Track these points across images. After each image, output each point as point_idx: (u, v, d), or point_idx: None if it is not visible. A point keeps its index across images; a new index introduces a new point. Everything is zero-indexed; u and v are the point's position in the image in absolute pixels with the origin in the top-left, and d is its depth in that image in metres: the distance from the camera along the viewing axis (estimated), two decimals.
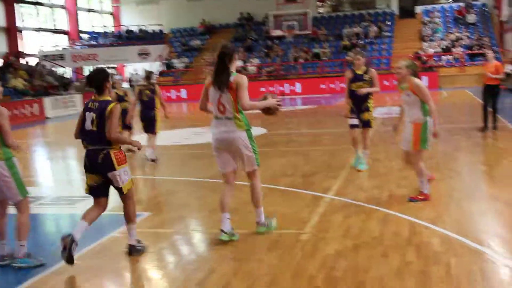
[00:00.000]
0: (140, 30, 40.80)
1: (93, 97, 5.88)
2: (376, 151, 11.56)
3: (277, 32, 31.17)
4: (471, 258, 5.39)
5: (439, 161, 10.29)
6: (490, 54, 14.35)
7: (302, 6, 32.87)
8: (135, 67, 37.27)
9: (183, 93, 33.60)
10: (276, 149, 12.90)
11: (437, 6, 37.80)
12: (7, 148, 5.68)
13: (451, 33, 33.60)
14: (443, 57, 32.03)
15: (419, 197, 7.51)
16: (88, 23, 42.09)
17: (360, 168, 9.75)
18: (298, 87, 31.75)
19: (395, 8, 38.63)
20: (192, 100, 32.14)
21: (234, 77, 6.05)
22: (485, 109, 13.76)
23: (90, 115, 5.77)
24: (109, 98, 5.88)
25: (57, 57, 35.60)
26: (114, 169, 5.74)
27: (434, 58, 32.01)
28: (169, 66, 36.98)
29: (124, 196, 5.93)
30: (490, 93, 13.66)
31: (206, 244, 6.45)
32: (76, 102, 29.35)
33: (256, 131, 15.31)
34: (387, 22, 37.08)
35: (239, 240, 6.23)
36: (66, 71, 35.19)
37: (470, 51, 31.74)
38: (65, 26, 39.51)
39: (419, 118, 7.43)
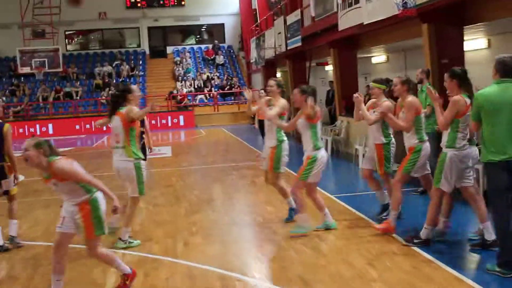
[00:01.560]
0: None
1: None
2: (153, 196, 11.05)
3: (25, 69, 28.98)
4: None
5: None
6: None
7: (51, 42, 31.18)
8: None
9: None
10: (39, 198, 11.61)
11: (187, 47, 38.77)
12: None
13: (203, 73, 34.63)
14: (197, 96, 32.80)
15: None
16: None
17: None
18: (50, 128, 29.87)
19: (145, 47, 38.76)
20: None
21: None
22: None
23: None
24: None
25: None
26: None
27: (188, 98, 32.61)
28: None
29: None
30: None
31: None
32: None
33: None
34: (139, 62, 36.97)
35: None
36: None
37: (222, 91, 32.97)
38: None
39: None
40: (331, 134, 16.57)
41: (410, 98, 7.32)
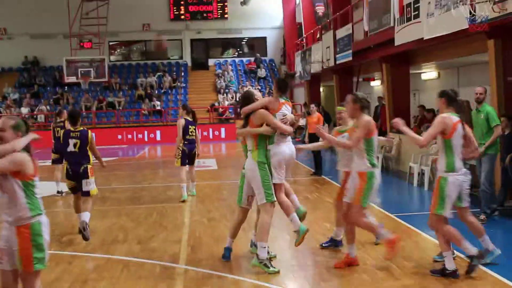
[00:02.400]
0: None
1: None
2: (208, 210, 10.86)
3: (71, 79, 29.25)
4: None
5: None
6: (313, 108, 15.72)
7: (96, 53, 31.46)
8: None
9: None
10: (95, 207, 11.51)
11: (229, 60, 38.77)
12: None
13: (244, 86, 34.51)
14: (238, 109, 32.61)
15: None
16: None
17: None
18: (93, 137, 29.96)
19: (188, 59, 38.87)
20: None
21: None
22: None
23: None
24: None
25: None
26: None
27: (230, 110, 32.51)
28: None
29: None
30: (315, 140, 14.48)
31: None
32: None
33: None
34: (181, 73, 37.07)
35: None
36: None
37: None
38: None
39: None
40: (382, 151, 16.21)
41: (366, 118, 6.71)
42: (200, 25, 38.62)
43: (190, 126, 11.89)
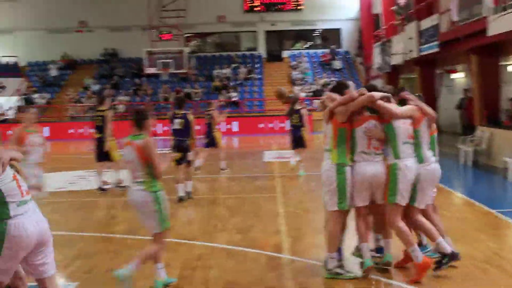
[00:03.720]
0: None
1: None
2: (300, 201, 10.87)
3: (151, 70, 29.88)
4: None
5: None
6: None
7: (174, 44, 32.03)
8: None
9: (46, 131, 30.93)
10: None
11: (304, 51, 38.62)
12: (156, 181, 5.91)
13: (320, 77, 34.34)
14: (315, 101, 32.51)
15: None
16: None
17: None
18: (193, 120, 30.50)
19: (262, 51, 38.96)
20: (56, 139, 29.78)
21: None
22: None
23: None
24: None
25: None
26: None
27: (306, 102, 32.37)
28: (28, 101, 34.19)
29: None
30: None
31: None
32: None
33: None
34: (255, 65, 37.20)
35: None
36: None
37: None
38: None
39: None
40: (471, 145, 15.78)
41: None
42: (274, 17, 38.59)
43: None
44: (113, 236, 8.48)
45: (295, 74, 35.19)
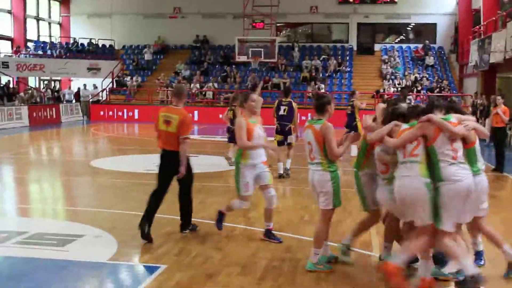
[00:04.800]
0: (90, 44, 38.84)
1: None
2: None
3: (242, 58, 30.07)
4: None
5: None
6: (499, 99, 14.70)
7: (267, 33, 32.09)
8: (84, 82, 35.25)
9: (136, 113, 31.89)
10: None
11: (396, 46, 37.74)
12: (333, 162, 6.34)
13: (411, 73, 33.47)
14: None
15: None
16: (34, 31, 39.73)
17: None
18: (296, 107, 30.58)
19: (353, 43, 38.39)
20: (144, 122, 30.55)
21: None
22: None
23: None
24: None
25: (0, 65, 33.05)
26: None
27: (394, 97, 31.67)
28: (120, 84, 35.23)
29: None
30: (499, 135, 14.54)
31: None
32: (22, 114, 27.27)
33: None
34: (346, 57, 36.70)
35: None
36: (10, 81, 32.58)
37: (431, 93, 31.55)
38: (9, 33, 37.11)
39: None
40: None
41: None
42: (368, 9, 37.94)
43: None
44: (201, 221, 8.51)
45: (386, 68, 34.45)
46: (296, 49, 36.90)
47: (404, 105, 6.26)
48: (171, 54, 38.65)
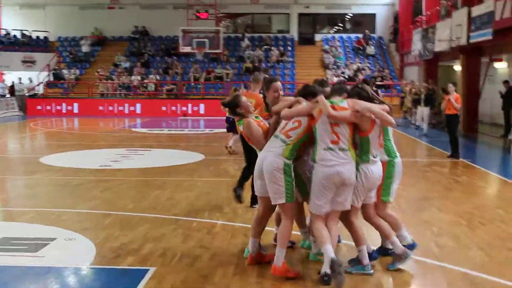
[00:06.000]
0: (23, 36, 37.21)
1: None
2: None
3: (186, 49, 29.49)
4: None
5: None
6: (451, 87, 14.76)
7: (208, 24, 31.61)
8: (19, 75, 33.79)
9: (75, 107, 30.80)
10: None
11: (337, 36, 37.91)
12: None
13: (353, 63, 33.73)
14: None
15: None
16: None
17: None
18: (202, 108, 30.16)
19: (295, 34, 38.35)
20: (85, 116, 29.59)
21: None
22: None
23: None
24: None
25: None
26: None
27: None
28: (57, 77, 33.96)
29: None
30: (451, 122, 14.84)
31: None
32: None
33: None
34: (287, 48, 36.62)
35: None
36: None
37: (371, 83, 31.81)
38: None
39: None
40: None
41: None
42: (308, 0, 37.94)
43: None
44: (178, 218, 8.13)
45: (328, 58, 34.59)
46: (246, 39, 36.49)
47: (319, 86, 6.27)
48: (109, 45, 37.54)
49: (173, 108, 30.17)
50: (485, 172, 12.76)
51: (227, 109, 6.58)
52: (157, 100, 31.03)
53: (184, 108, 30.08)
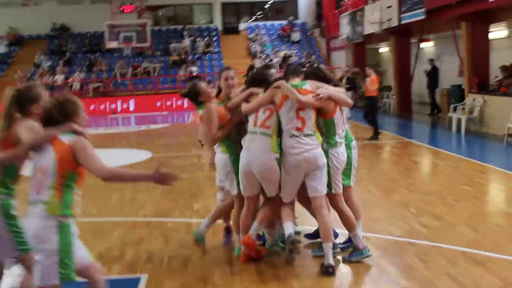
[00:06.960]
0: None
1: None
2: None
3: (112, 44, 28.59)
4: None
5: None
6: (368, 70, 15.46)
7: (135, 17, 30.85)
8: None
9: None
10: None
11: (260, 24, 37.83)
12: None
13: (280, 50, 33.78)
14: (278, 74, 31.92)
15: None
16: None
17: None
18: (132, 104, 29.38)
19: (218, 24, 38.01)
20: None
21: None
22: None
23: None
24: None
25: None
26: None
27: None
28: None
29: None
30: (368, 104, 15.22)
31: None
32: None
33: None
34: (212, 38, 36.25)
35: None
36: None
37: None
38: None
39: None
40: (463, 112, 15.67)
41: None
42: None
43: None
44: (150, 220, 7.79)
45: (254, 46, 34.49)
46: (186, 32, 35.77)
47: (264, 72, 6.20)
48: (27, 45, 35.85)
49: (102, 106, 29.24)
50: (436, 150, 12.99)
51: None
52: (83, 100, 29.84)
53: (113, 106, 29.22)
